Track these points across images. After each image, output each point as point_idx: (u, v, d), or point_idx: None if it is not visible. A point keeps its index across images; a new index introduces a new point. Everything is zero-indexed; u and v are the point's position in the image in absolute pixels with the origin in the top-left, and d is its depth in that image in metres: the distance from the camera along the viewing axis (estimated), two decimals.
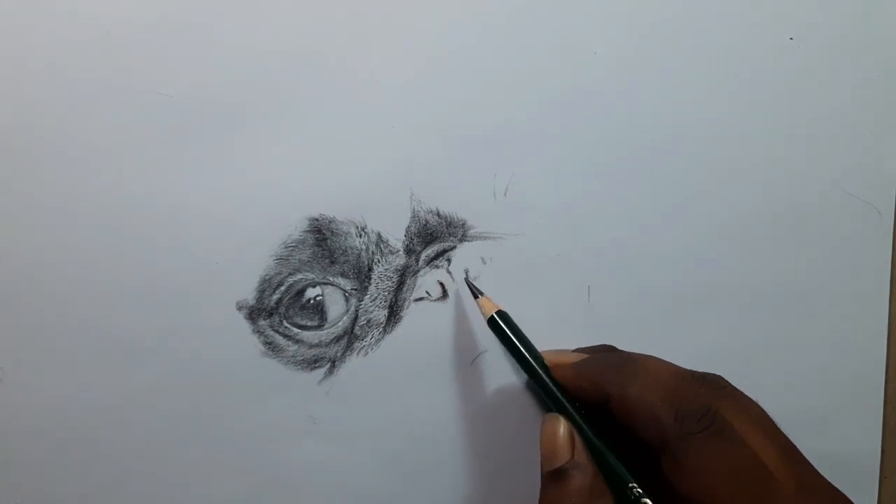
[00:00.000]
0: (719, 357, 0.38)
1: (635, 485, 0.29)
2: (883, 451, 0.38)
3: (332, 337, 0.36)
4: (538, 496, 0.31)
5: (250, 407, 0.36)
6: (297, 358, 0.36)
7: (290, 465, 0.37)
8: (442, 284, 0.37)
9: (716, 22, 0.37)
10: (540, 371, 0.33)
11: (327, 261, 0.36)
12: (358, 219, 0.36)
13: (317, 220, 0.36)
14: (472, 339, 0.37)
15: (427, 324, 0.36)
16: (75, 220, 0.35)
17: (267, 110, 0.36)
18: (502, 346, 0.34)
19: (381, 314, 0.36)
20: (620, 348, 0.36)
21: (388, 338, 0.37)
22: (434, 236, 0.36)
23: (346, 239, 0.36)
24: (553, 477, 0.30)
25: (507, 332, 0.34)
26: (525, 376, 0.35)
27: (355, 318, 0.36)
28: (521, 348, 0.33)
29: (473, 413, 0.37)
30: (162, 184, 0.35)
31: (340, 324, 0.36)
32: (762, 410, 0.29)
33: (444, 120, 0.36)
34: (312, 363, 0.36)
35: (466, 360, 0.37)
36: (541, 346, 0.35)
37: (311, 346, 0.36)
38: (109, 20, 0.35)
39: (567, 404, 0.31)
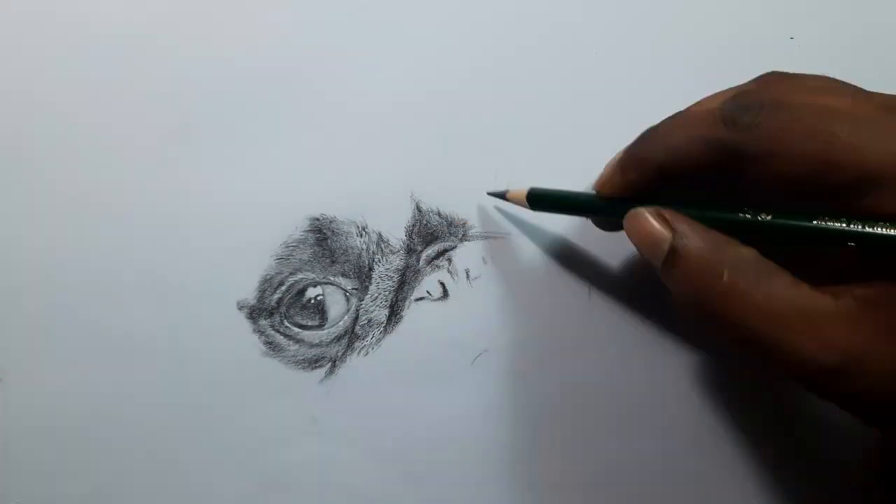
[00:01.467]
0: (720, 357, 0.38)
1: (747, 210, 0.26)
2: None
3: (332, 336, 0.36)
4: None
5: (251, 406, 0.36)
6: (298, 357, 0.36)
7: (291, 465, 0.37)
8: (443, 284, 0.37)
9: (716, 22, 0.37)
10: (598, 205, 0.30)
11: (328, 260, 0.36)
12: (358, 218, 0.36)
13: (317, 219, 0.36)
14: (473, 339, 0.37)
15: (428, 323, 0.36)
16: (75, 220, 0.35)
17: (267, 110, 0.36)
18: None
19: (381, 314, 0.36)
20: (621, 349, 0.36)
21: (389, 337, 0.37)
22: (435, 236, 0.36)
23: (346, 238, 0.36)
24: (670, 264, 0.26)
25: (552, 197, 0.33)
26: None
27: (356, 318, 0.36)
28: (572, 202, 0.32)
29: (474, 413, 0.37)
30: (162, 184, 0.35)
31: (341, 323, 0.36)
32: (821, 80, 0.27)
33: (444, 119, 0.36)
34: (313, 363, 0.36)
35: (467, 360, 0.37)
36: (542, 344, 0.35)
37: (312, 345, 0.36)
38: (109, 20, 0.35)
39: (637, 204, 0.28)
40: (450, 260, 0.37)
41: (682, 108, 0.37)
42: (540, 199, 0.33)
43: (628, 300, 0.37)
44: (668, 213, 0.27)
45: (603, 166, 0.32)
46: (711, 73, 0.37)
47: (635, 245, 0.28)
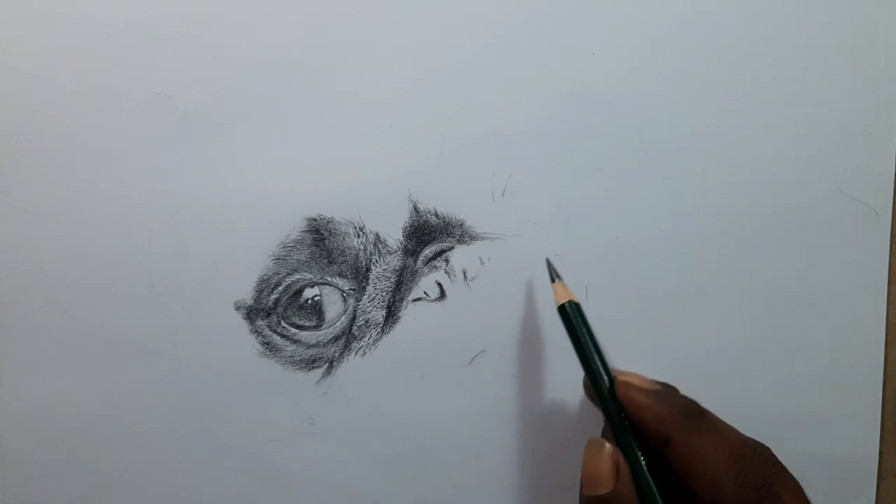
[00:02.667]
0: (718, 357, 0.37)
1: None
2: (881, 452, 0.38)
3: (329, 337, 0.36)
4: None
5: (248, 407, 0.36)
6: (295, 358, 0.36)
7: (288, 465, 0.37)
8: (440, 285, 0.37)
9: (714, 22, 0.37)
10: (603, 382, 0.31)
11: (325, 261, 0.36)
12: (356, 219, 0.36)
13: (315, 220, 0.36)
14: (470, 340, 0.37)
15: (425, 324, 0.36)
16: (75, 220, 0.36)
17: (266, 110, 0.36)
18: (570, 341, 0.32)
19: (378, 314, 0.36)
20: (620, 349, 0.36)
21: (386, 338, 0.37)
22: (432, 236, 0.36)
23: (344, 239, 0.36)
24: (590, 502, 0.29)
25: (576, 327, 0.32)
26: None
27: (353, 319, 0.36)
28: (591, 349, 0.31)
29: (471, 413, 0.37)
30: (161, 184, 0.36)
31: (338, 324, 0.36)
32: (804, 492, 0.29)
33: (442, 120, 0.36)
34: (310, 363, 0.36)
35: (464, 361, 0.37)
36: (540, 345, 0.35)
37: (309, 346, 0.36)
38: (109, 20, 0.35)
39: (625, 427, 0.30)
40: (447, 260, 0.37)
41: (678, 107, 0.37)
42: (568, 316, 0.32)
43: (627, 300, 0.37)
44: (624, 469, 0.29)
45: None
46: (710, 74, 0.37)
47: (583, 464, 0.30)
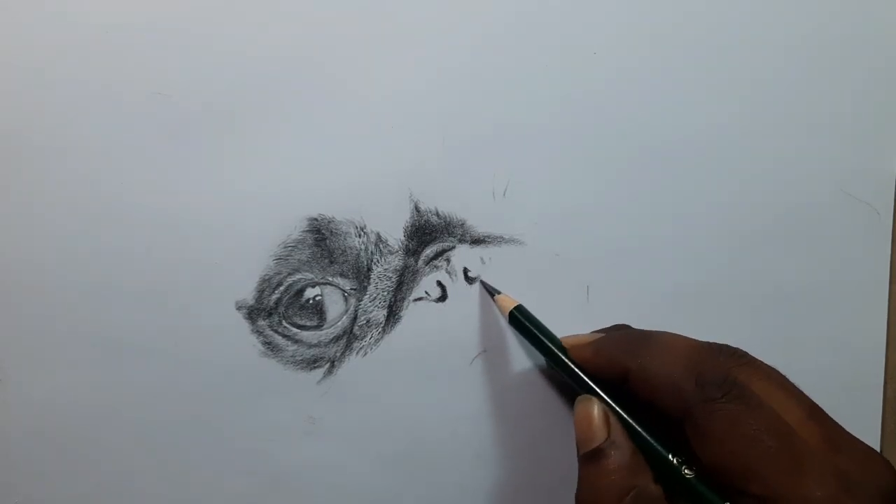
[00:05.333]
0: None
1: (676, 457, 0.29)
2: (882, 452, 0.38)
3: (331, 337, 0.36)
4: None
5: (249, 407, 0.36)
6: (297, 358, 0.36)
7: (289, 465, 0.37)
8: (441, 284, 0.37)
9: (715, 23, 0.37)
10: (563, 357, 0.33)
11: (326, 261, 0.36)
12: (357, 219, 0.36)
13: (316, 219, 0.36)
14: (472, 339, 0.37)
15: (426, 324, 0.36)
16: (75, 220, 0.35)
17: (266, 110, 0.36)
18: (523, 339, 0.35)
19: (380, 314, 0.36)
20: None
21: (388, 338, 0.37)
22: (433, 236, 0.36)
23: (345, 239, 0.36)
24: (591, 458, 0.30)
25: (529, 325, 0.34)
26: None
27: (354, 318, 0.36)
28: (544, 339, 0.34)
29: (473, 412, 0.37)
30: (161, 184, 0.36)
31: (339, 324, 0.36)
32: (783, 376, 0.29)
33: (443, 120, 0.36)
34: (312, 363, 0.36)
35: (466, 360, 0.37)
36: None
37: (311, 345, 0.36)
38: (108, 20, 0.35)
39: (594, 386, 0.31)
40: (448, 260, 0.37)
41: (679, 107, 0.37)
42: (519, 319, 0.34)
43: (627, 300, 0.37)
44: (613, 419, 0.30)
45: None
46: (711, 74, 0.37)
47: (574, 424, 0.31)
